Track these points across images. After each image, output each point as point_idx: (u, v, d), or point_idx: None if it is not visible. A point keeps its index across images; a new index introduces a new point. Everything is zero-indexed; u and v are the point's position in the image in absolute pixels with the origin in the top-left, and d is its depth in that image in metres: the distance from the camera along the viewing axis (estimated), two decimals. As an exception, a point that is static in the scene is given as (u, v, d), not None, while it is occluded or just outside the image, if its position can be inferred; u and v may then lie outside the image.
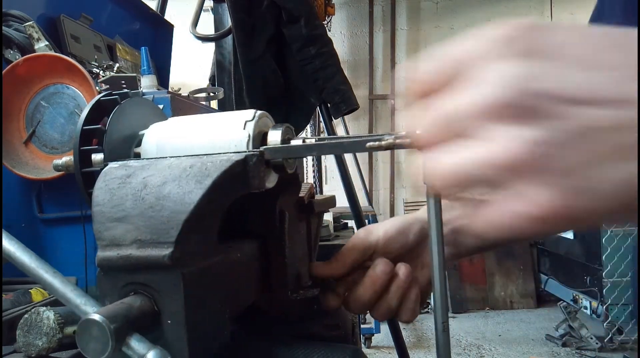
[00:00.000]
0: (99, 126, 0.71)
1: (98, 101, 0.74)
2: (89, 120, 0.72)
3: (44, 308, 0.80)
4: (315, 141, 0.68)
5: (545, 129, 0.28)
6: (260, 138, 0.70)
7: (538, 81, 0.28)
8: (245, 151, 0.65)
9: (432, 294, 0.68)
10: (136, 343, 0.50)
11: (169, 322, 0.54)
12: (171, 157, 0.63)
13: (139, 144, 0.72)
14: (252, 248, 0.74)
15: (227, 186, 0.59)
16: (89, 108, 0.73)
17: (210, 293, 0.59)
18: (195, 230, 0.56)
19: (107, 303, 0.56)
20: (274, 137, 0.68)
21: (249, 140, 0.67)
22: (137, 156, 0.72)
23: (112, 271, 0.55)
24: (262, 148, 0.65)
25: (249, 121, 0.69)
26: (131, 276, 0.54)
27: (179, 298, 0.53)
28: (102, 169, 0.64)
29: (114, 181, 0.59)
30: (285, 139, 0.68)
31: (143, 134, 0.72)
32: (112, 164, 0.62)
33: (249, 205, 0.63)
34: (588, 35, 0.30)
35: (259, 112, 0.70)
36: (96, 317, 0.47)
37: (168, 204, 0.55)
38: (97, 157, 0.70)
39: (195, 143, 0.69)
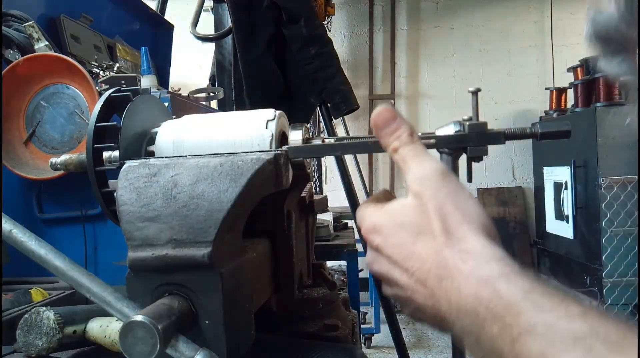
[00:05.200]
0: (114, 123, 0.70)
1: (109, 97, 0.73)
2: (100, 117, 0.71)
3: (44, 308, 0.80)
4: (334, 141, 0.68)
5: (373, 256, 0.58)
6: (279, 137, 0.70)
7: (378, 243, 0.57)
8: (272, 150, 0.65)
9: None
10: (183, 345, 0.50)
11: (207, 321, 0.53)
12: (193, 155, 0.63)
13: (150, 142, 0.72)
14: (264, 248, 0.74)
15: (260, 185, 0.59)
16: (100, 104, 0.71)
17: (240, 293, 0.59)
18: (229, 229, 0.56)
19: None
20: (295, 136, 0.68)
21: (272, 139, 0.67)
22: (150, 154, 0.71)
23: (145, 272, 0.54)
24: (285, 147, 0.65)
25: (271, 120, 0.69)
26: (167, 277, 0.54)
27: (217, 298, 0.53)
28: (118, 167, 0.63)
29: (138, 180, 0.58)
30: (305, 139, 0.68)
31: (155, 132, 0.72)
32: (130, 163, 0.61)
33: (258, 204, 0.62)
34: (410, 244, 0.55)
35: (278, 111, 0.70)
36: (141, 318, 0.46)
37: (203, 203, 0.55)
38: (110, 155, 0.69)
39: (214, 141, 0.69)
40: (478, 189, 5.74)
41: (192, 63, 4.78)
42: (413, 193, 0.56)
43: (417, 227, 0.54)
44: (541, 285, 0.47)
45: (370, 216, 0.58)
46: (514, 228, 5.62)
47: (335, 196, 2.95)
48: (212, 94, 2.01)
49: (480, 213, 0.55)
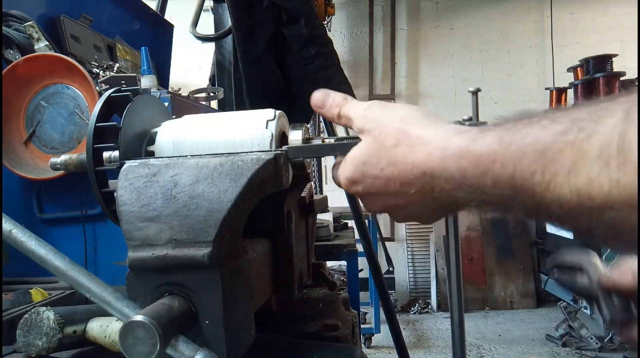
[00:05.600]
0: (114, 123, 0.70)
1: (109, 97, 0.73)
2: (100, 117, 0.71)
3: (44, 308, 0.80)
4: (334, 141, 0.68)
5: (367, 202, 0.64)
6: (279, 137, 0.70)
7: (361, 189, 0.62)
8: (272, 150, 0.65)
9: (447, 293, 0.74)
10: (183, 345, 0.50)
11: (207, 321, 0.53)
12: (193, 155, 0.63)
13: (150, 142, 0.72)
14: (264, 248, 0.74)
15: (260, 185, 0.59)
16: (100, 104, 0.71)
17: (240, 293, 0.59)
18: (229, 229, 0.56)
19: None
20: (295, 136, 0.68)
21: (272, 139, 0.67)
22: (150, 154, 0.71)
23: (145, 272, 0.54)
24: (285, 147, 0.65)
25: (271, 120, 0.69)
26: (167, 277, 0.54)
27: (218, 298, 0.53)
28: (118, 167, 0.63)
29: (138, 180, 0.58)
30: (305, 139, 0.68)
31: (156, 132, 0.72)
32: (130, 163, 0.61)
33: (258, 204, 0.63)
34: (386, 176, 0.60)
35: (278, 111, 0.70)
36: (141, 318, 0.46)
37: (203, 203, 0.55)
38: (110, 155, 0.69)
39: (214, 141, 0.69)
40: (478, 189, 5.75)
41: (192, 63, 4.78)
42: (360, 131, 0.63)
43: (376, 157, 0.60)
44: (506, 122, 0.52)
45: (342, 172, 0.63)
46: (513, 228, 5.62)
47: (335, 196, 2.95)
48: (212, 94, 2.01)
49: (413, 112, 0.61)
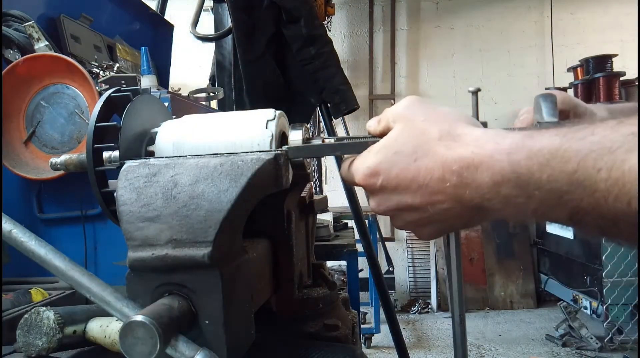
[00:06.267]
0: (114, 123, 0.70)
1: (109, 97, 0.73)
2: (100, 117, 0.71)
3: (44, 308, 0.80)
4: (334, 141, 0.68)
5: (379, 198, 0.60)
6: (279, 137, 0.70)
7: (380, 182, 0.58)
8: (272, 150, 0.65)
9: (447, 291, 0.73)
10: (183, 345, 0.50)
11: (207, 322, 0.53)
12: (193, 155, 0.63)
13: (150, 142, 0.72)
14: (264, 248, 0.74)
15: (260, 185, 0.59)
16: (100, 104, 0.71)
17: (240, 293, 0.59)
18: (230, 229, 0.56)
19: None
20: (295, 136, 0.68)
21: (272, 139, 0.67)
22: (150, 154, 0.71)
23: (145, 272, 0.54)
24: (285, 147, 0.65)
25: (271, 120, 0.69)
26: (167, 277, 0.54)
27: (218, 298, 0.53)
28: (118, 167, 0.63)
29: (138, 180, 0.58)
30: (305, 139, 0.68)
31: (156, 132, 0.72)
32: (130, 163, 0.61)
33: (258, 204, 0.62)
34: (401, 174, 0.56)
35: (278, 111, 0.70)
36: (141, 318, 0.46)
37: (203, 203, 0.55)
38: (110, 155, 0.69)
39: (214, 141, 0.69)
40: (478, 189, 5.75)
41: (192, 63, 4.78)
42: (399, 119, 0.58)
43: (412, 145, 0.56)
44: (561, 124, 0.51)
45: (364, 161, 0.59)
46: (514, 227, 5.62)
47: (335, 196, 2.96)
48: (212, 94, 2.01)
49: (464, 114, 0.58)
